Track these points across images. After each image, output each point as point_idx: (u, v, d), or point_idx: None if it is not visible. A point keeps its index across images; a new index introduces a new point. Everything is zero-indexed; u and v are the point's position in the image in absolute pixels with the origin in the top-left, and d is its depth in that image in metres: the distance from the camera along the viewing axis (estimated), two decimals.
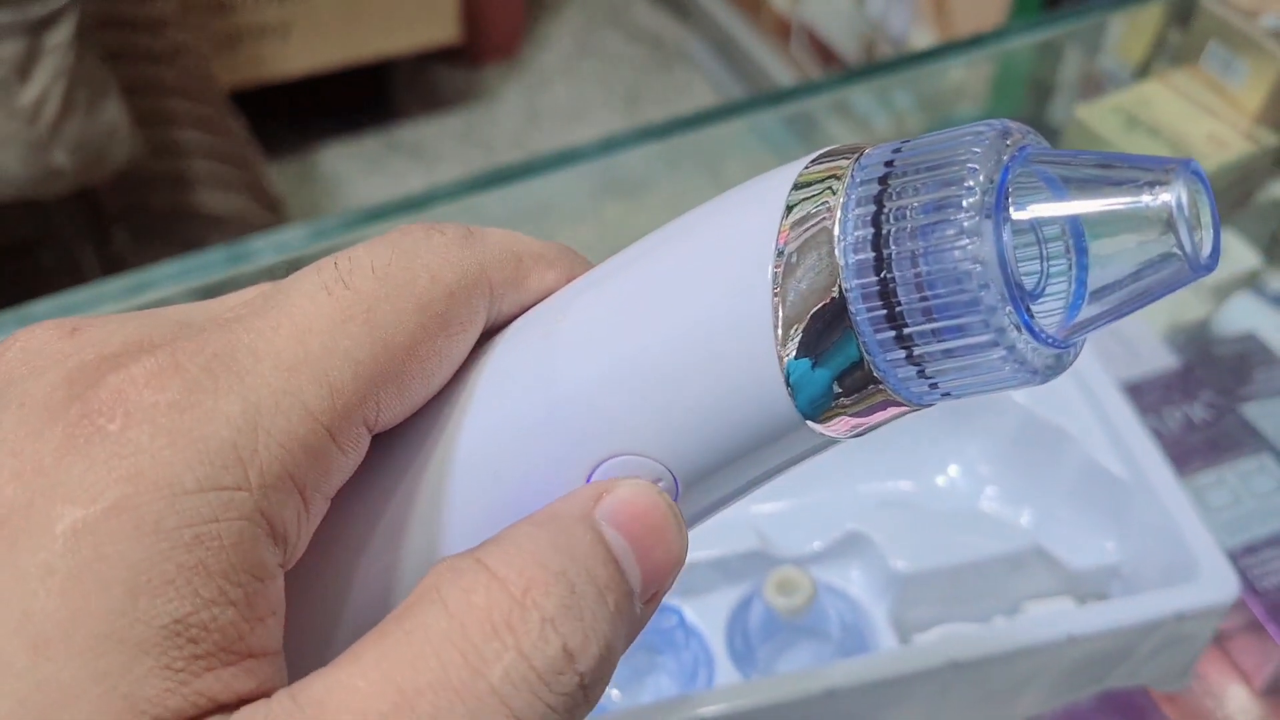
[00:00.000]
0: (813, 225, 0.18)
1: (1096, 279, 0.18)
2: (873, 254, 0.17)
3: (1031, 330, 0.17)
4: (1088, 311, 0.18)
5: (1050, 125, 0.79)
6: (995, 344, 0.17)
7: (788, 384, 0.18)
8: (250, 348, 0.18)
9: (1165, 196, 0.17)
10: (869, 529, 0.49)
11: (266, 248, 0.60)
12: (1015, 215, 0.17)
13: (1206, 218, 0.17)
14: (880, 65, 1.04)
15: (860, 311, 0.17)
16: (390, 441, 0.20)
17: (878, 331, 0.17)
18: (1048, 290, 0.18)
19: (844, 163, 0.18)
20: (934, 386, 0.18)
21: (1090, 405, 0.50)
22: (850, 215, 0.18)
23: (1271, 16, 0.65)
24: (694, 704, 0.40)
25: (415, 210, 0.62)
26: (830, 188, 0.18)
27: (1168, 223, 0.17)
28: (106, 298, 0.58)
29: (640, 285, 0.20)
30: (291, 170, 1.67)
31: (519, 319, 0.21)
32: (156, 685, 0.16)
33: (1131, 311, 0.18)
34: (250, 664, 0.17)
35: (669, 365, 0.19)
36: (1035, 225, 0.18)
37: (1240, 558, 0.51)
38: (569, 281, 0.22)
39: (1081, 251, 0.18)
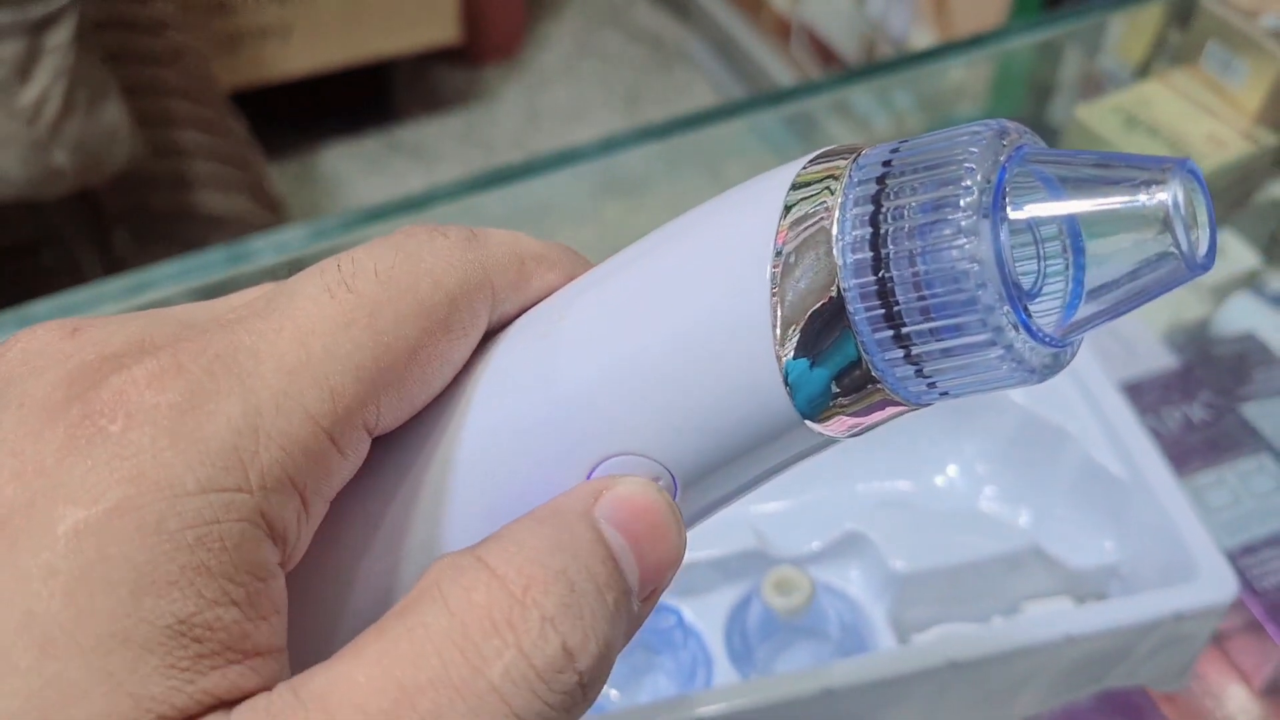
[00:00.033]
0: (811, 225, 0.18)
1: (1093, 278, 0.18)
2: (870, 253, 0.17)
3: (1029, 329, 0.17)
4: (1085, 310, 0.18)
5: (1050, 125, 0.79)
6: (993, 343, 0.17)
7: (786, 383, 0.18)
8: (252, 349, 0.18)
9: (1161, 196, 0.17)
10: (867, 529, 0.49)
11: (266, 248, 0.60)
12: (1012, 215, 0.17)
13: (1203, 217, 0.17)
14: (880, 65, 1.04)
15: (858, 311, 0.17)
16: (390, 443, 0.20)
17: (876, 331, 0.18)
18: (1045, 290, 0.18)
19: (842, 163, 0.18)
20: (932, 386, 0.18)
21: (1089, 405, 0.50)
22: (848, 215, 0.18)
23: (1271, 16, 0.65)
24: (692, 704, 0.40)
25: (415, 210, 0.63)
26: (828, 188, 0.18)
27: (1164, 222, 0.17)
28: (106, 298, 0.58)
29: (639, 285, 0.20)
30: (292, 171, 1.68)
31: (519, 319, 0.21)
32: (162, 684, 0.16)
33: (1128, 310, 0.18)
34: (255, 662, 0.17)
35: (668, 365, 0.19)
36: (1032, 225, 0.18)
37: (1239, 558, 0.51)
38: (569, 282, 0.22)
39: (1078, 251, 0.18)
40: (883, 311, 0.17)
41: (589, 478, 0.20)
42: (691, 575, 0.48)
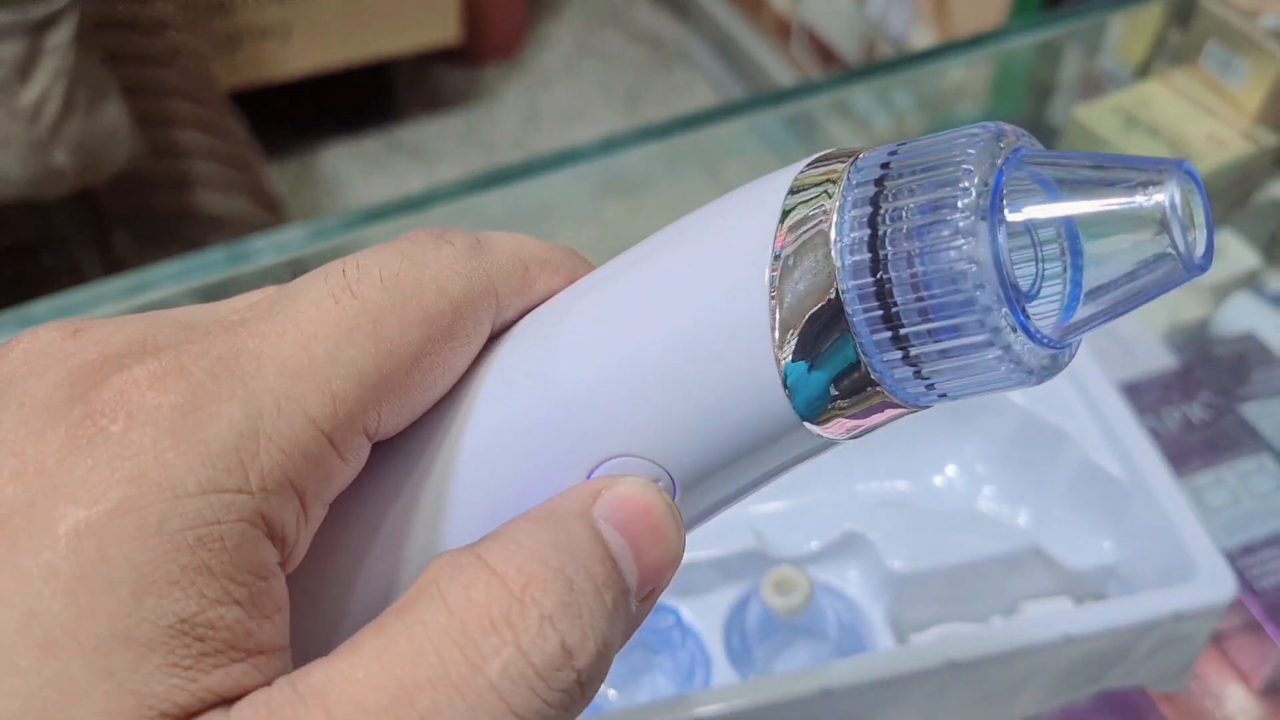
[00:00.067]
0: (809, 228, 0.18)
1: (1091, 279, 0.18)
2: (869, 255, 0.17)
3: (1027, 330, 0.17)
4: (1083, 312, 0.18)
5: (1050, 125, 0.79)
6: (991, 344, 0.17)
7: (785, 386, 0.18)
8: (254, 352, 0.18)
9: (1159, 197, 0.17)
10: (866, 529, 0.49)
11: (266, 248, 0.60)
12: (1010, 217, 0.17)
13: (1200, 217, 0.17)
14: (880, 65, 1.04)
15: (857, 312, 0.18)
16: (390, 445, 0.20)
17: (874, 332, 0.18)
18: (1043, 291, 0.18)
19: (839, 166, 0.18)
20: (930, 387, 0.18)
21: (1088, 405, 0.50)
22: (846, 217, 0.18)
23: (1271, 16, 0.65)
24: (691, 704, 0.40)
25: (415, 210, 0.62)
26: (826, 191, 0.18)
27: (1161, 223, 0.17)
28: (106, 298, 0.58)
29: (639, 289, 0.20)
30: (292, 171, 1.68)
31: (520, 321, 0.21)
32: (165, 682, 0.16)
33: (1126, 312, 0.18)
34: (258, 660, 0.17)
35: (667, 368, 0.19)
36: (1030, 227, 0.18)
37: (1239, 558, 0.51)
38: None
39: (1076, 252, 0.18)
40: (881, 313, 0.17)
41: (588, 479, 0.20)
42: (690, 575, 0.48)
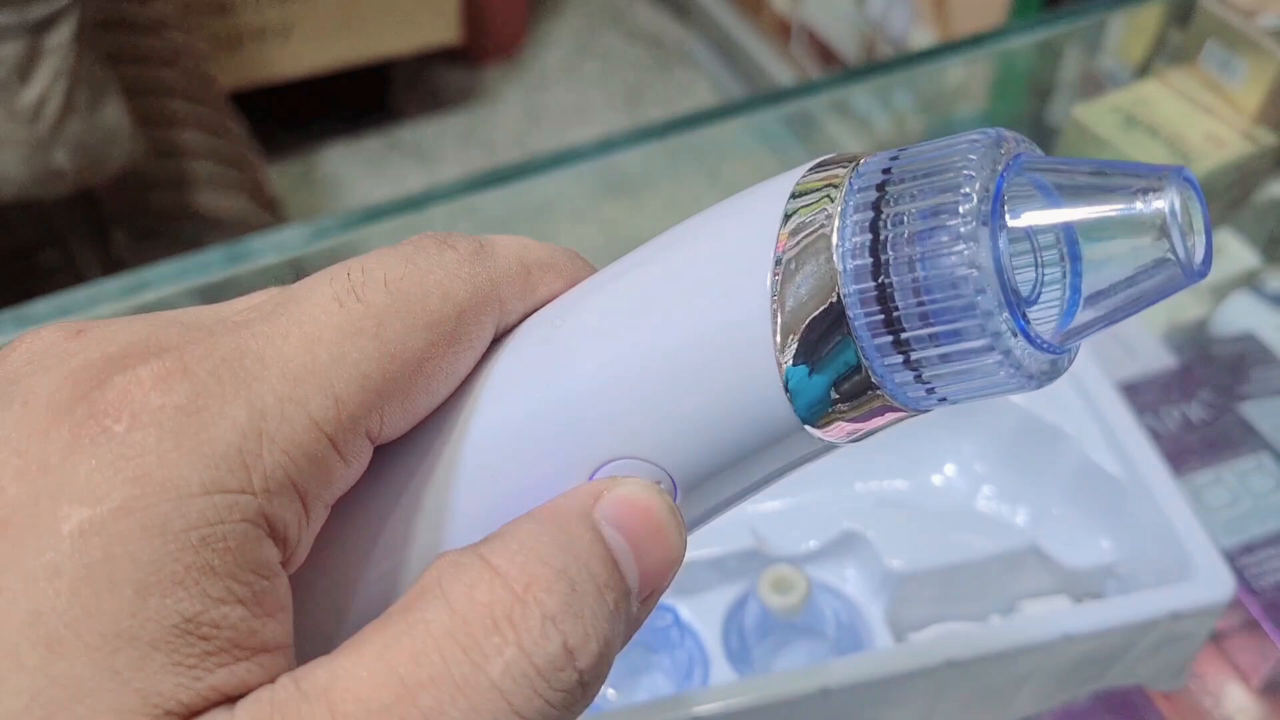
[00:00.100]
0: (811, 233, 0.18)
1: (1091, 285, 0.18)
2: (870, 259, 0.17)
3: (1027, 335, 0.17)
4: (1082, 317, 0.18)
5: (1050, 125, 0.79)
6: (991, 349, 0.17)
7: (786, 390, 0.18)
8: (258, 354, 0.18)
9: (1159, 203, 0.17)
10: (864, 528, 0.49)
11: (265, 248, 0.60)
12: (1011, 222, 0.17)
13: (1199, 224, 0.17)
14: (880, 65, 1.04)
15: (858, 316, 0.18)
16: (393, 448, 0.21)
17: (875, 336, 0.18)
18: (1043, 296, 0.18)
19: (841, 171, 0.19)
20: (931, 391, 0.18)
21: (1087, 405, 0.50)
22: (848, 222, 0.18)
23: (1270, 16, 0.65)
24: (689, 702, 0.40)
25: (415, 210, 0.62)
26: (828, 195, 0.18)
27: (1161, 229, 0.17)
28: (105, 297, 0.58)
29: (640, 292, 0.20)
30: (293, 171, 1.68)
31: (522, 324, 0.21)
32: (169, 681, 0.16)
33: (1125, 317, 0.18)
34: (262, 658, 0.17)
35: (669, 371, 0.19)
36: (1030, 232, 0.18)
37: (1238, 557, 0.51)
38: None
39: (1076, 258, 0.18)
40: (882, 317, 0.17)
41: (590, 480, 0.20)
42: (688, 574, 0.48)
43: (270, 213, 1.16)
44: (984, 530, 0.49)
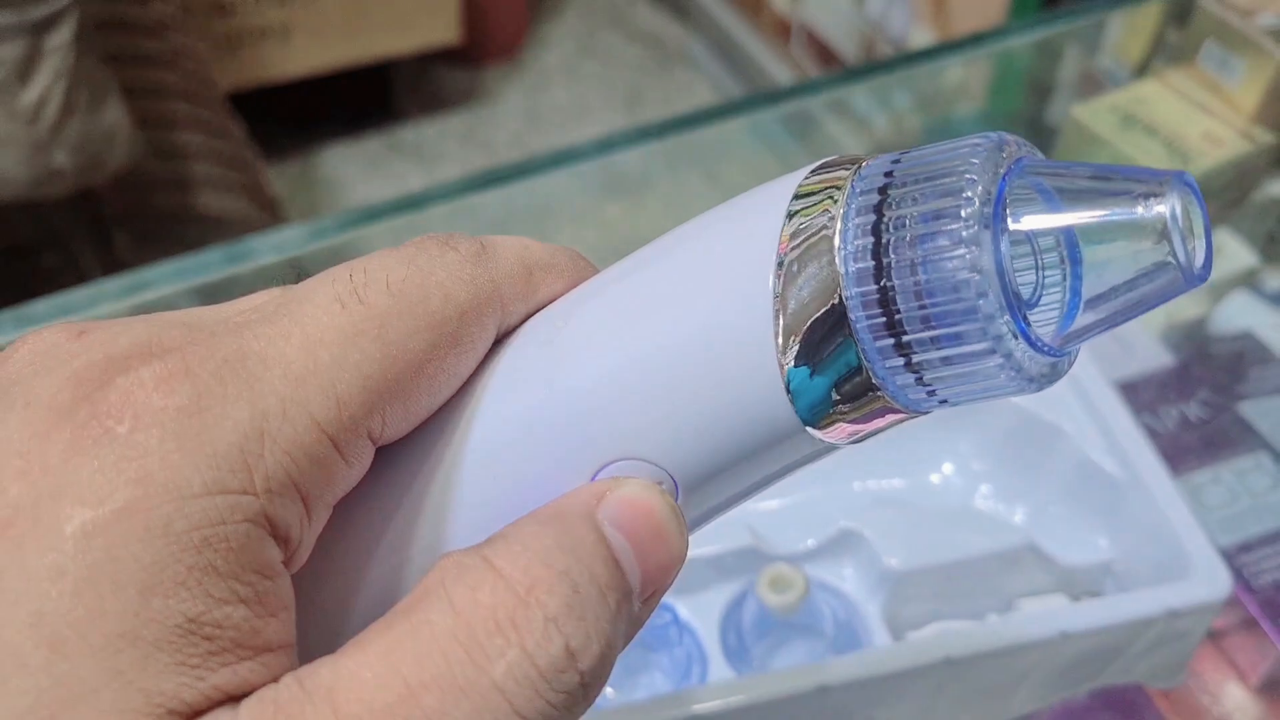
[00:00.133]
0: (813, 235, 0.18)
1: (1091, 288, 0.18)
2: (872, 262, 0.18)
3: (1028, 338, 0.17)
4: (1083, 320, 0.18)
5: (1048, 124, 0.79)
6: (992, 351, 0.17)
7: (788, 391, 0.18)
8: (260, 355, 0.18)
9: (1160, 208, 0.17)
10: (862, 526, 0.49)
11: (265, 248, 0.60)
12: (1012, 226, 0.17)
13: (1199, 228, 0.18)
14: (879, 65, 1.04)
15: (860, 319, 0.18)
16: (394, 450, 0.21)
17: (877, 339, 0.18)
18: (1043, 300, 0.18)
19: (843, 173, 0.19)
20: (931, 394, 0.18)
21: (1085, 404, 0.50)
22: (850, 224, 0.18)
23: (1268, 16, 0.65)
24: (688, 701, 0.40)
25: (414, 210, 0.63)
26: (831, 197, 0.18)
27: (1162, 233, 0.17)
28: (105, 297, 0.58)
29: (642, 293, 0.20)
30: (293, 172, 1.68)
31: (523, 325, 0.21)
32: (173, 680, 0.16)
33: (1125, 321, 0.18)
34: (265, 658, 0.17)
35: (671, 372, 0.19)
36: (1031, 236, 0.18)
37: (1236, 555, 0.51)
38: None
39: (1076, 261, 0.18)
40: (884, 320, 0.18)
41: (592, 481, 0.20)
42: (686, 572, 0.48)
43: (270, 213, 1.16)
44: (982, 529, 0.49)
